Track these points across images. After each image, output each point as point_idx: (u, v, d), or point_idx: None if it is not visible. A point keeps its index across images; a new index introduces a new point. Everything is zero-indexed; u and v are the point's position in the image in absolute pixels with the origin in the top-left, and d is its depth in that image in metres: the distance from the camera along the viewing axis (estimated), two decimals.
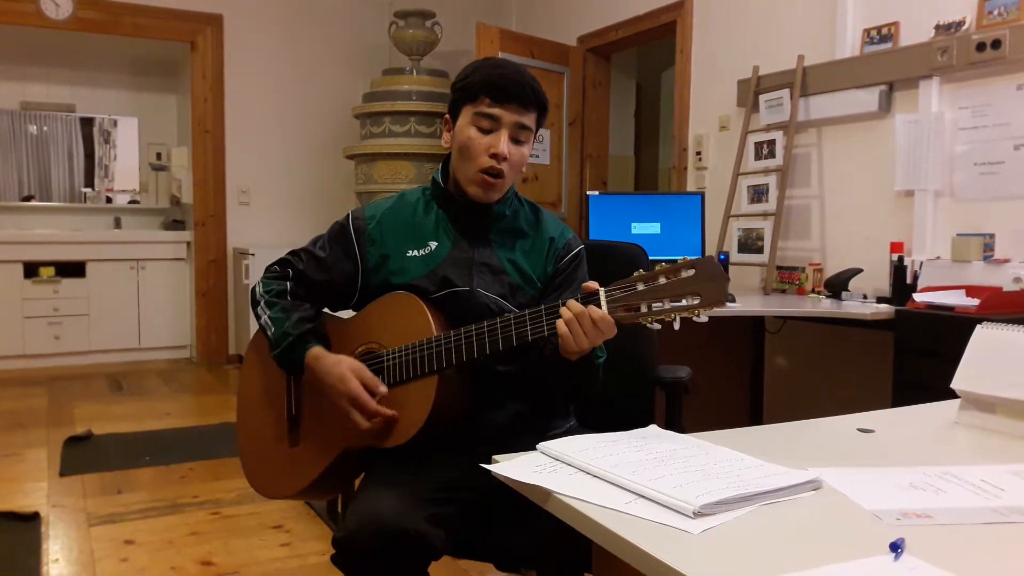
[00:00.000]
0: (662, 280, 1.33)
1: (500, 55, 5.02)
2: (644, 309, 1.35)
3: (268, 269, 1.77)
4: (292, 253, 1.76)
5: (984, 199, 3.26)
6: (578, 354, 1.45)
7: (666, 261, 1.37)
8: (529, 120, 1.63)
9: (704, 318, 1.32)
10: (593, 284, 1.42)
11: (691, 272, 1.31)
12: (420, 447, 1.54)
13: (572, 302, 1.41)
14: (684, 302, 1.31)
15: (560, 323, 1.41)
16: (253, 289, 1.75)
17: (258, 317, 1.71)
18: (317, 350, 1.62)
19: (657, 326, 1.36)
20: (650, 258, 2.01)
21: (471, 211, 1.67)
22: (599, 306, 1.39)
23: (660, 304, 1.33)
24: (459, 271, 1.64)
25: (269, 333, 1.66)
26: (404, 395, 1.57)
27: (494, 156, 1.59)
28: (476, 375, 1.61)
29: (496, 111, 1.59)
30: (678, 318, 1.32)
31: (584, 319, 1.39)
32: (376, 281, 1.68)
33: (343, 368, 1.57)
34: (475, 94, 1.60)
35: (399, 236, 1.69)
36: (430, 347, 1.54)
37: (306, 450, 1.69)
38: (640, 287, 1.35)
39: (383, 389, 1.56)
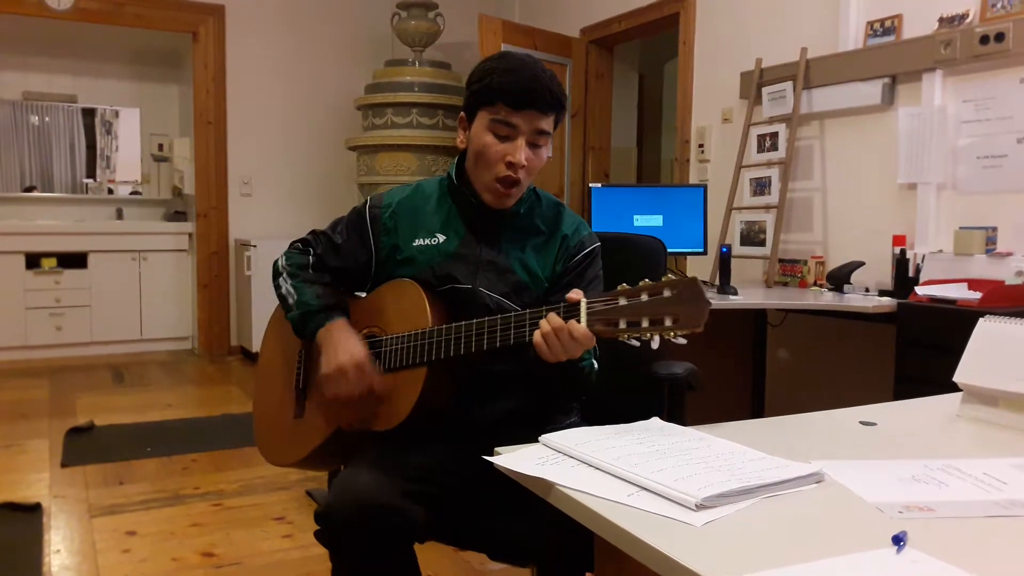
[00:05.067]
0: (644, 297, 1.29)
1: (503, 47, 5.02)
2: (623, 325, 1.31)
3: (291, 245, 1.81)
4: (312, 234, 1.79)
5: (987, 192, 3.25)
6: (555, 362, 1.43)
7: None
8: (547, 124, 1.59)
9: (682, 340, 1.30)
10: (576, 295, 1.38)
11: (672, 292, 1.27)
12: (408, 434, 1.57)
13: (552, 316, 1.38)
14: (661, 323, 1.27)
15: (537, 335, 1.39)
16: (276, 261, 1.79)
17: (279, 287, 1.74)
18: (341, 322, 1.64)
19: (635, 343, 1.33)
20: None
21: (483, 210, 1.66)
22: (579, 318, 1.36)
23: (638, 322, 1.29)
24: (464, 268, 1.64)
25: (291, 300, 1.69)
26: (396, 382, 1.59)
27: (511, 165, 1.57)
28: (470, 370, 1.61)
29: (514, 119, 1.56)
30: (656, 337, 1.29)
31: (562, 333, 1.36)
32: (387, 270, 1.70)
33: (358, 347, 1.59)
34: (491, 99, 1.57)
35: (410, 225, 1.69)
36: (422, 339, 1.56)
37: (307, 423, 1.73)
38: (622, 302, 1.32)
39: (381, 384, 1.58)
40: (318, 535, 1.46)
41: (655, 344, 1.30)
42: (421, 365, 1.56)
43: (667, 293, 1.27)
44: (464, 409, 1.63)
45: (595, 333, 1.35)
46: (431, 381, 1.55)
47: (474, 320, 1.50)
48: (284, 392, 1.80)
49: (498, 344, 1.47)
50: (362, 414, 1.60)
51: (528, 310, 1.44)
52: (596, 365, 1.63)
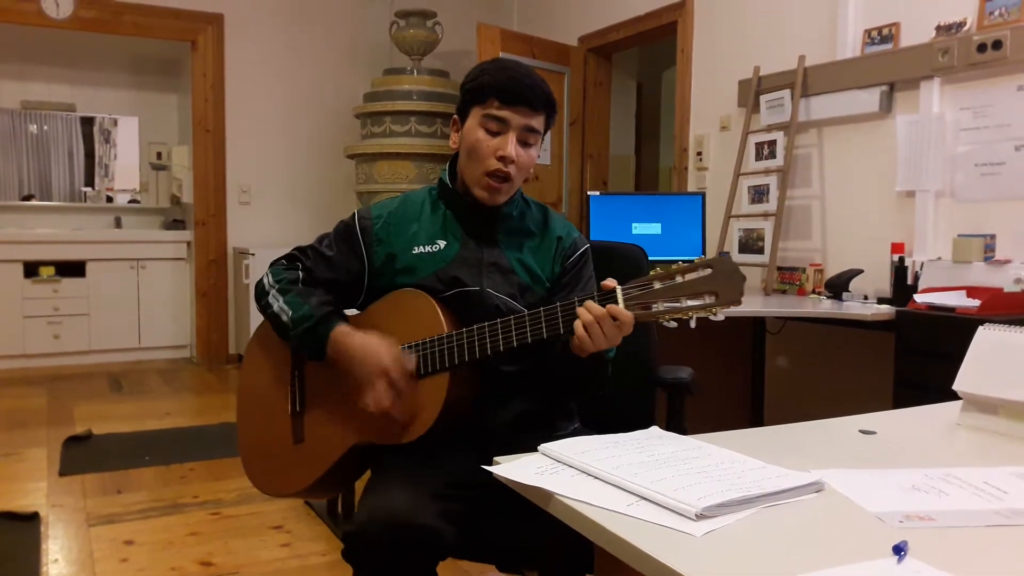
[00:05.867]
0: (679, 279, 1.34)
1: (501, 55, 5.02)
2: (660, 307, 1.35)
3: (274, 263, 1.76)
4: (299, 250, 1.75)
5: (985, 200, 3.26)
6: (591, 353, 1.45)
7: (683, 260, 1.37)
8: (537, 122, 1.62)
9: (721, 316, 1.34)
10: (611, 282, 1.41)
11: (708, 271, 1.32)
12: (428, 443, 1.55)
13: (591, 303, 1.40)
14: (701, 300, 1.31)
15: (578, 324, 1.41)
16: (260, 281, 1.73)
17: (268, 307, 1.68)
18: (344, 327, 1.60)
19: (673, 324, 1.37)
20: (650, 259, 2.01)
21: (478, 212, 1.67)
22: (616, 304, 1.39)
23: (676, 303, 1.33)
24: (469, 271, 1.64)
25: (285, 317, 1.64)
26: (415, 391, 1.56)
27: (501, 159, 1.59)
28: (484, 373, 1.60)
29: (504, 113, 1.59)
30: (695, 316, 1.33)
31: (605, 321, 1.39)
32: (383, 281, 1.68)
33: (375, 341, 1.56)
34: (484, 96, 1.60)
35: (406, 235, 1.68)
36: (441, 344, 1.54)
37: (311, 447, 1.68)
38: (657, 285, 1.36)
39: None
40: (346, 554, 1.43)
41: (693, 324, 1.34)
42: (443, 371, 1.54)
43: (702, 272, 1.32)
44: (480, 414, 1.62)
45: (634, 318, 1.38)
46: (454, 386, 1.54)
47: (499, 320, 1.50)
48: (278, 418, 1.74)
49: (530, 339, 1.46)
50: (391, 420, 1.57)
51: (559, 303, 1.45)
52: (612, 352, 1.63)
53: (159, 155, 7.08)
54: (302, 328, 1.62)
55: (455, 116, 1.68)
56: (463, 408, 1.58)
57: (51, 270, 6.05)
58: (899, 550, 0.84)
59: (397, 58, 6.18)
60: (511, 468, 1.13)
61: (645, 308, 1.37)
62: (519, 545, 1.57)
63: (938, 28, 3.39)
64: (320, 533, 2.90)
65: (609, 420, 1.61)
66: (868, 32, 3.70)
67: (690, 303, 1.32)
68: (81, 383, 5.52)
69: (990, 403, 1.36)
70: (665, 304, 1.35)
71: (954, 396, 1.42)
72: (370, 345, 1.55)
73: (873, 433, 1.35)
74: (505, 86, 1.59)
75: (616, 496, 1.00)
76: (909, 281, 3.26)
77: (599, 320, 1.39)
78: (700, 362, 2.13)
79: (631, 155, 6.58)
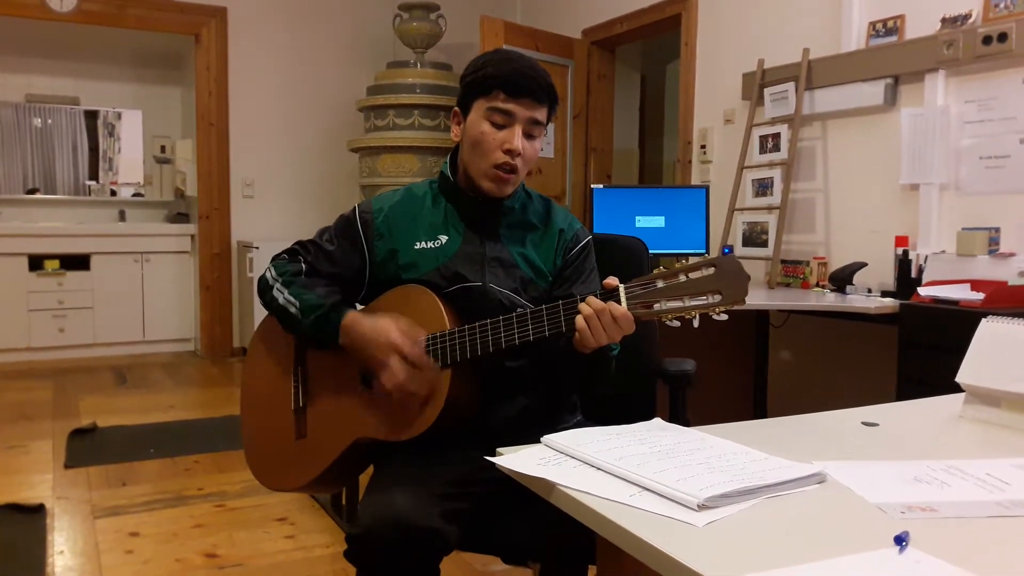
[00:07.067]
0: (682, 278, 1.33)
1: (504, 48, 5.02)
2: (663, 306, 1.35)
3: (276, 257, 1.75)
4: (299, 244, 1.74)
5: (990, 193, 3.25)
6: (593, 349, 1.45)
7: (687, 257, 1.37)
8: (541, 115, 1.61)
9: (724, 316, 1.33)
10: (613, 281, 1.41)
11: (711, 270, 1.31)
12: (430, 441, 1.54)
13: (592, 298, 1.40)
14: (705, 300, 1.31)
15: (579, 319, 1.40)
16: (263, 276, 1.72)
17: (272, 300, 1.67)
18: (354, 314, 1.59)
19: (676, 323, 1.36)
20: (652, 252, 2.01)
21: (480, 205, 1.66)
22: (619, 303, 1.38)
23: (680, 302, 1.33)
24: (471, 266, 1.63)
25: (293, 309, 1.62)
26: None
27: (508, 152, 1.58)
28: (486, 369, 1.60)
29: (510, 106, 1.57)
30: (698, 315, 1.33)
31: (604, 315, 1.39)
32: (384, 276, 1.67)
33: (384, 320, 1.54)
34: (488, 88, 1.58)
35: (407, 229, 1.67)
36: (443, 341, 1.53)
37: (314, 443, 1.68)
38: (660, 284, 1.35)
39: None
40: (349, 555, 1.43)
41: (696, 323, 1.34)
42: (444, 368, 1.53)
43: (706, 271, 1.32)
44: (483, 410, 1.62)
45: (636, 316, 1.38)
46: (456, 383, 1.53)
47: (500, 317, 1.49)
48: (281, 414, 1.73)
49: (532, 337, 1.46)
50: (394, 414, 1.56)
51: (561, 300, 1.45)
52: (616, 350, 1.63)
53: (163, 148, 7.08)
54: (312, 317, 1.60)
55: (456, 108, 1.67)
56: (467, 405, 1.58)
57: (56, 263, 6.07)
58: (900, 540, 0.84)
59: (400, 51, 6.18)
60: (514, 459, 1.13)
61: (647, 307, 1.36)
62: (523, 539, 1.58)
63: (943, 20, 3.38)
64: (324, 525, 2.90)
65: (611, 413, 1.61)
66: (873, 24, 3.69)
67: (693, 302, 1.32)
68: (86, 376, 5.54)
69: (993, 395, 1.36)
70: (668, 303, 1.34)
71: (957, 389, 1.42)
72: (379, 325, 1.54)
73: (876, 425, 1.35)
74: (511, 79, 1.57)
75: (618, 486, 1.01)
76: (913, 274, 3.26)
77: (599, 314, 1.39)
78: (703, 355, 2.13)
79: (635, 148, 6.58)
